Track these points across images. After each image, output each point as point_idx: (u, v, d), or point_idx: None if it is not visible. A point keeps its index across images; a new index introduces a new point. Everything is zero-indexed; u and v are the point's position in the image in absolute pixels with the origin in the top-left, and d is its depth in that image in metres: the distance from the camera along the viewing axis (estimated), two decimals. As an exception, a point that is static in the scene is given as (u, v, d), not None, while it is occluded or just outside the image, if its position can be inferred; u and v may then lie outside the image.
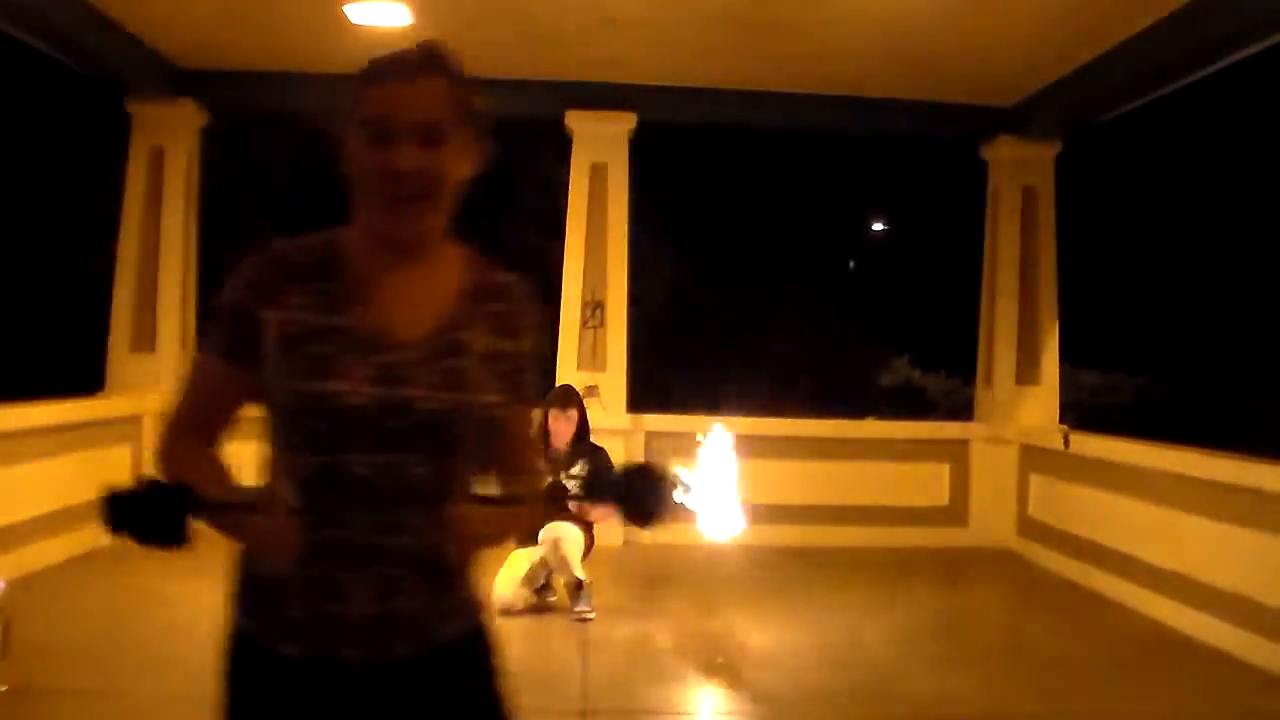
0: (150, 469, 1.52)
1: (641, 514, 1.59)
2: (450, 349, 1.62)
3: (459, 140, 1.61)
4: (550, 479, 5.01)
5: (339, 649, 1.58)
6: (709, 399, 10.74)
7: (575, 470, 5.53)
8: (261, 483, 1.64)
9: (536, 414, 2.04)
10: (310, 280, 1.60)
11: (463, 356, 1.63)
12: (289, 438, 1.60)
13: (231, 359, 1.61)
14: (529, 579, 5.48)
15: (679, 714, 4.50)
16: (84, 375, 7.68)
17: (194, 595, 5.48)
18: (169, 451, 1.64)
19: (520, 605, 5.42)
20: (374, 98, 1.61)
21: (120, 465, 7.03)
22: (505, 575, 5.43)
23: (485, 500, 1.63)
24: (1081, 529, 6.78)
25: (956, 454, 7.95)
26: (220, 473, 1.63)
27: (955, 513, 7.92)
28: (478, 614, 1.73)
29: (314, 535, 1.53)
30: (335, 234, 1.67)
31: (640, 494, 1.59)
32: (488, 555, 1.68)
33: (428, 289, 1.65)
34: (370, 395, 1.55)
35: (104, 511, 1.46)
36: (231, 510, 1.52)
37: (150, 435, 7.31)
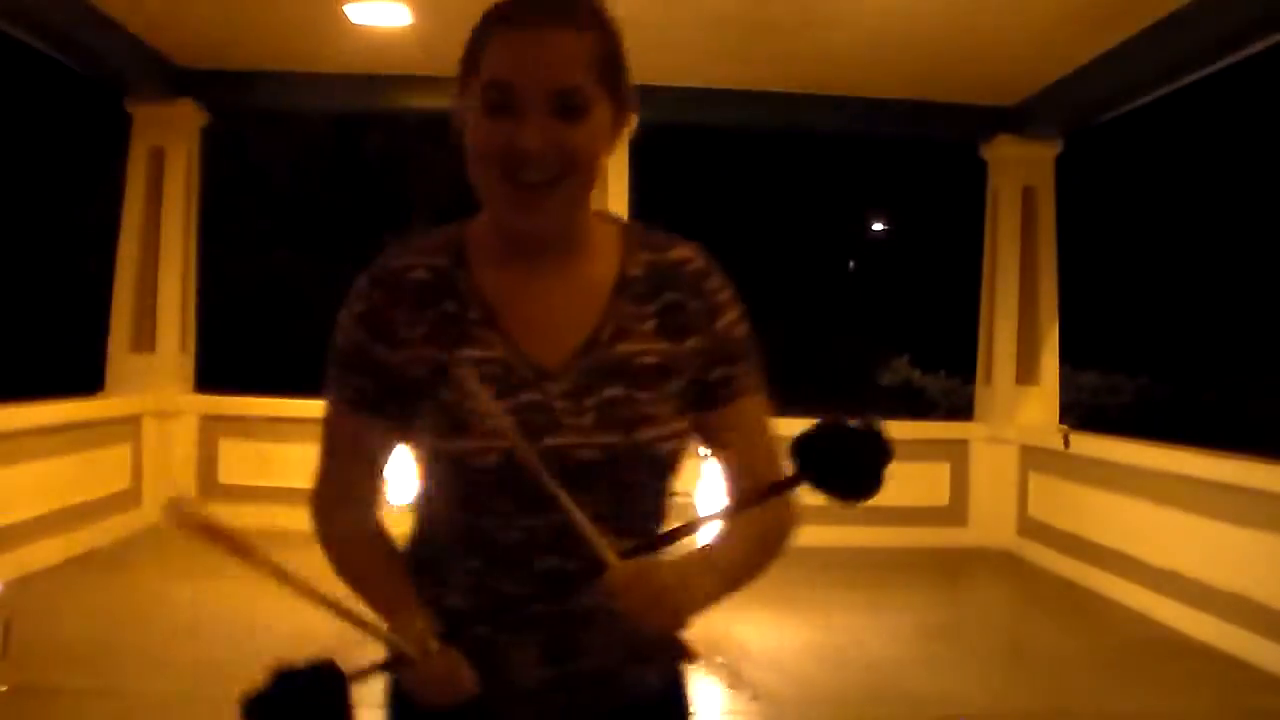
0: (189, 514, 1.21)
1: (851, 483, 1.19)
2: (607, 372, 1.28)
3: (602, 108, 1.26)
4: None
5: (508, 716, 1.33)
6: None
7: None
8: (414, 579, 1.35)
9: (766, 409, 1.41)
10: (430, 302, 1.29)
11: (625, 379, 1.28)
12: (429, 487, 1.34)
13: (362, 411, 1.33)
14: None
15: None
16: (84, 375, 7.68)
17: (194, 595, 5.48)
18: (328, 531, 1.39)
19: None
20: (493, 56, 1.23)
21: (120, 465, 7.03)
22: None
23: (671, 537, 1.24)
24: (1081, 529, 6.77)
25: (956, 454, 7.94)
26: (388, 562, 1.37)
27: (955, 512, 7.92)
28: (678, 659, 1.40)
29: (469, 598, 1.30)
30: (461, 231, 1.35)
31: (849, 457, 1.19)
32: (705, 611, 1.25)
33: (572, 294, 1.31)
34: (505, 453, 1.22)
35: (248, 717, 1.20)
36: (392, 667, 1.27)
37: (150, 435, 7.32)
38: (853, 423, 1.19)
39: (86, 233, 12.17)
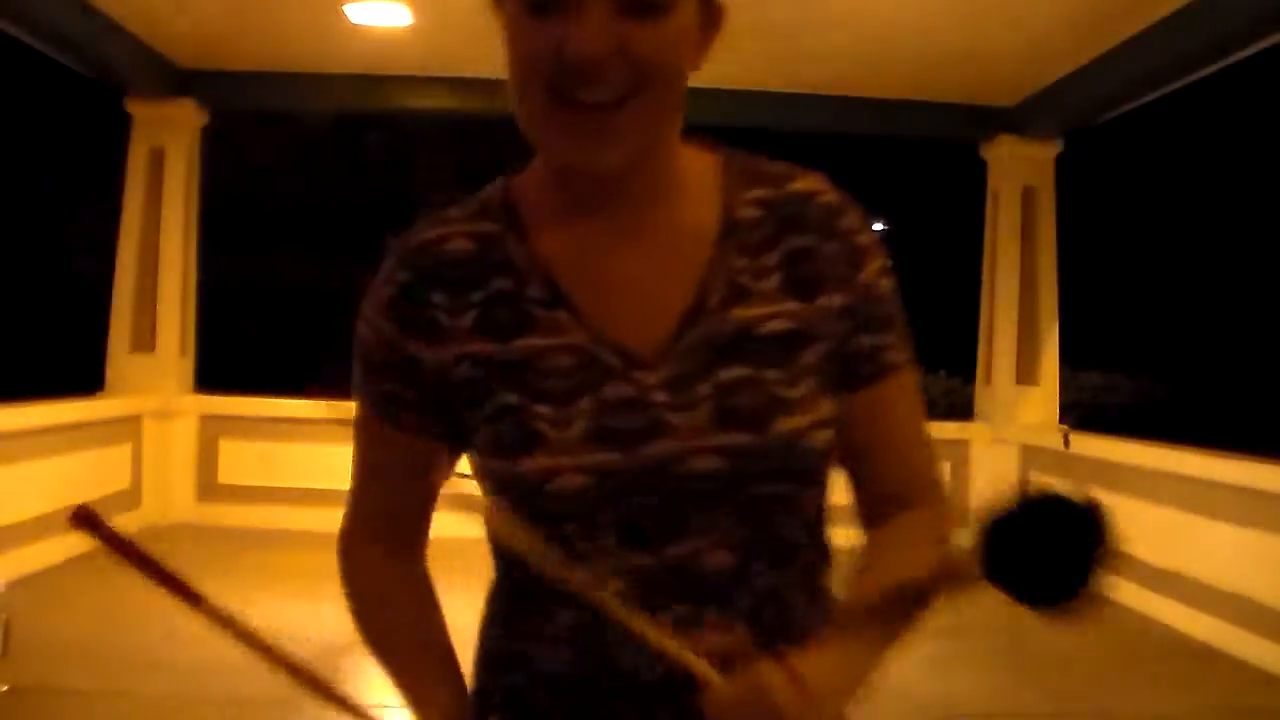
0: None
1: (1057, 587, 0.91)
2: (721, 347, 0.96)
3: (685, 2, 0.95)
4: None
5: None
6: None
7: None
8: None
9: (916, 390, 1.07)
10: (476, 280, 0.99)
11: (747, 356, 0.96)
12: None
13: (399, 425, 1.03)
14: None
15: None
16: (84, 375, 7.68)
17: (194, 595, 5.49)
18: (353, 580, 1.12)
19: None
20: None
21: (120, 465, 7.03)
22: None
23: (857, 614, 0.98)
24: (1081, 529, 6.77)
25: (957, 454, 7.94)
26: (426, 629, 1.09)
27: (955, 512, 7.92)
28: None
29: (568, 660, 1.00)
30: (508, 187, 1.04)
31: (1060, 553, 0.90)
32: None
33: (663, 252, 0.99)
34: (592, 472, 0.93)
35: None
36: None
37: (150, 435, 7.32)
38: (1065, 502, 0.90)
39: (86, 233, 12.18)
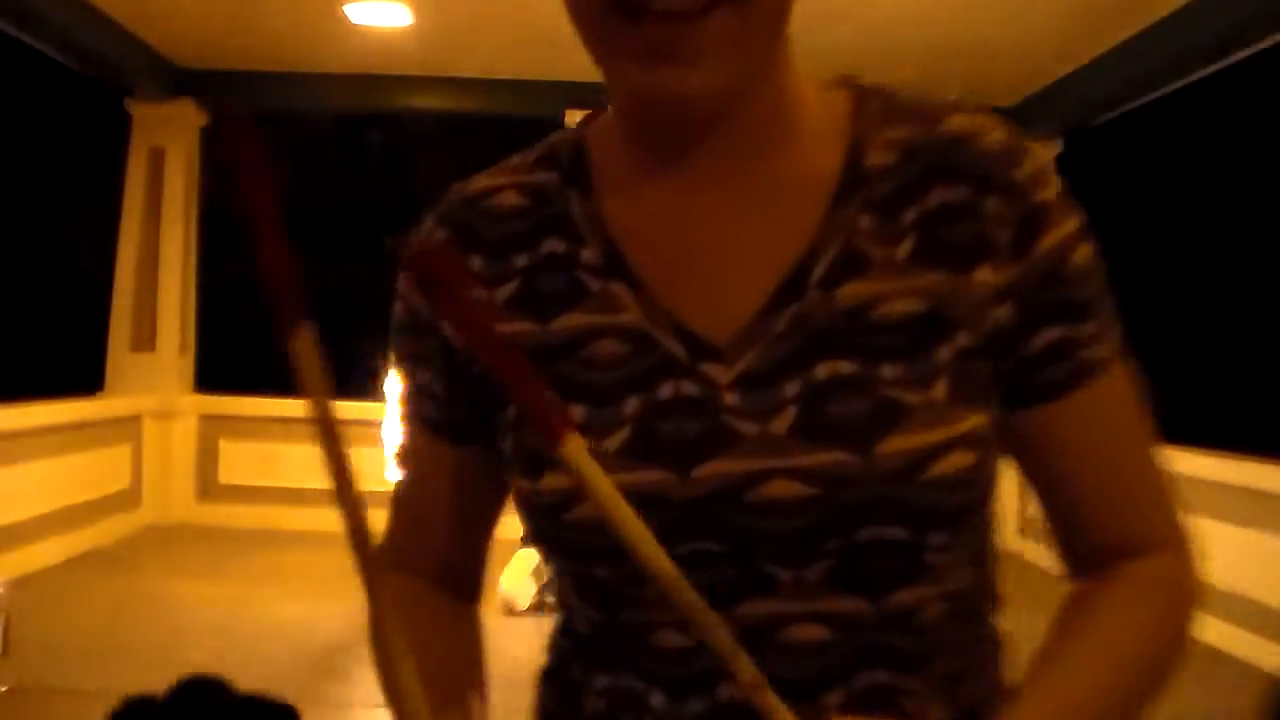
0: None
1: None
2: (821, 334, 0.71)
3: None
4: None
5: None
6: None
7: None
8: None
9: (1134, 397, 0.79)
10: (522, 243, 0.78)
11: (855, 346, 0.71)
12: (552, 567, 0.82)
13: (432, 426, 0.82)
14: (538, 575, 5.39)
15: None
16: (84, 375, 7.68)
17: (194, 596, 5.49)
18: (375, 614, 0.66)
19: (525, 604, 5.40)
20: None
21: (120, 465, 7.04)
22: (512, 571, 5.40)
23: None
24: (1081, 529, 6.77)
25: (956, 454, 7.94)
26: (441, 666, 0.77)
27: (955, 513, 7.92)
28: None
29: None
30: (581, 134, 0.82)
31: None
32: None
33: (764, 210, 0.74)
34: (628, 496, 0.61)
35: None
36: None
37: (150, 435, 7.32)
38: None
39: (86, 232, 12.18)
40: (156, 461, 7.31)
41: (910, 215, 0.73)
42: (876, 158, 0.75)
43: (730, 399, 0.71)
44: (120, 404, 7.21)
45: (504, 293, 0.77)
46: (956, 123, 0.76)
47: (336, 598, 4.86)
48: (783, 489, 0.68)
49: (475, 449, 0.80)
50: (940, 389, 0.70)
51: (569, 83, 7.70)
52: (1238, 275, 15.51)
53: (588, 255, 0.76)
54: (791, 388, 0.70)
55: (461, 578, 0.87)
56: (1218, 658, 5.15)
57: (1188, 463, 5.86)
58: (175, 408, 7.47)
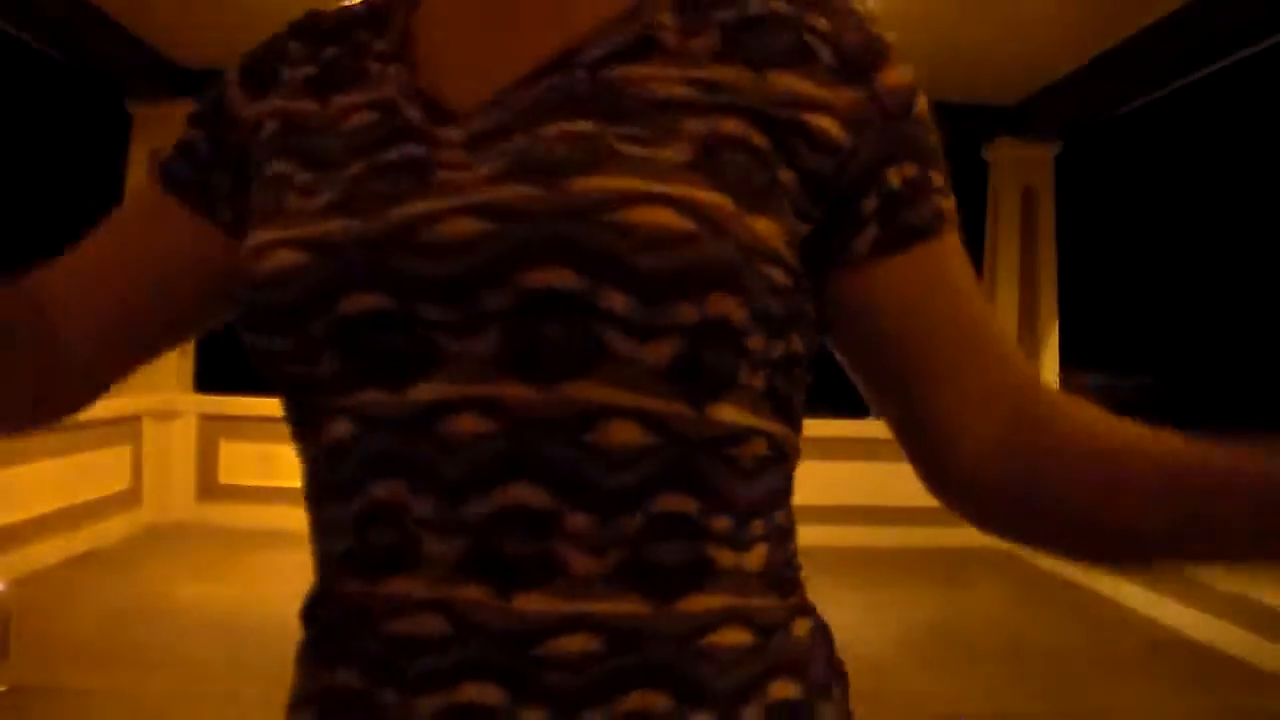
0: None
1: None
2: (565, 99, 0.65)
3: None
4: None
5: None
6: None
7: None
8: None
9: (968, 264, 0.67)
10: (339, 35, 0.76)
11: (602, 110, 0.64)
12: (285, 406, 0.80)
13: (167, 181, 0.81)
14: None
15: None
16: (84, 375, 7.68)
17: (195, 595, 5.49)
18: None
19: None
20: None
21: (120, 465, 7.04)
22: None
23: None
24: (1081, 529, 6.77)
25: (956, 454, 7.95)
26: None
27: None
28: None
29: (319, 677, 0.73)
30: None
31: None
32: None
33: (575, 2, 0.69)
34: (309, 245, 0.64)
35: None
36: None
37: (150, 435, 7.33)
38: None
39: (87, 233, 12.19)
40: (156, 461, 7.31)
41: (724, 15, 0.67)
42: None
43: (452, 156, 0.64)
44: (120, 404, 7.21)
45: (300, 73, 0.74)
46: None
47: (336, 598, 4.84)
48: (457, 226, 0.60)
49: (204, 222, 0.77)
50: (675, 151, 0.62)
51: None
52: (1238, 273, 15.51)
53: (381, 44, 0.72)
54: (519, 141, 0.63)
55: (91, 355, 0.81)
56: (1218, 657, 5.15)
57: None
58: (175, 407, 7.47)
